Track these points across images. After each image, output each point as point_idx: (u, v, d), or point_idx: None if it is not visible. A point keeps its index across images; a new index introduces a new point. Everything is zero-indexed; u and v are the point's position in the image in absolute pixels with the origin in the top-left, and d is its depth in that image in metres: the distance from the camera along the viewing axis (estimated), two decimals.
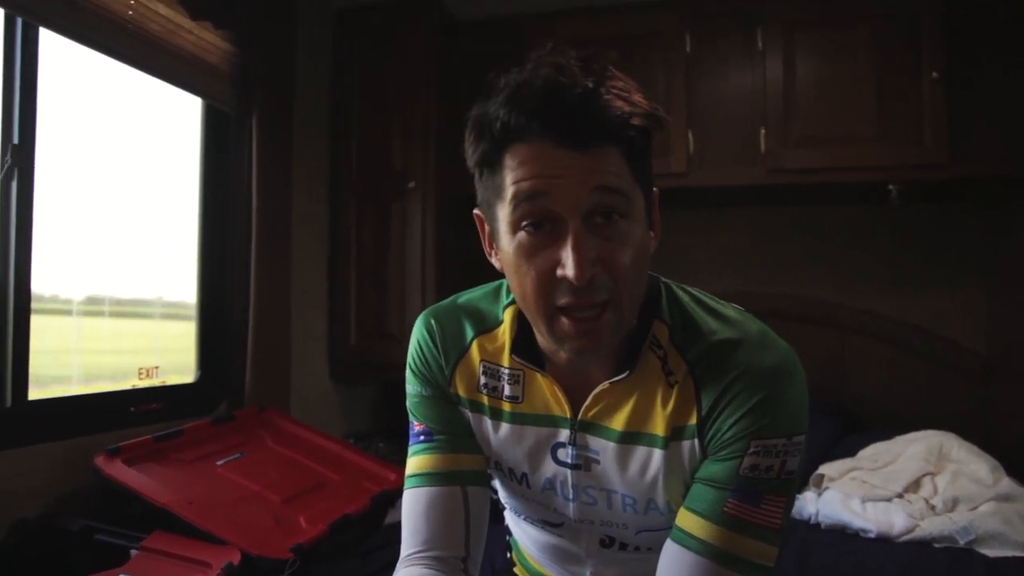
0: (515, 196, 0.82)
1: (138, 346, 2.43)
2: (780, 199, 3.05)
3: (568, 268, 0.80)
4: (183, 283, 2.54)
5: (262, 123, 2.52)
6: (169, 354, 2.52)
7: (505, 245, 0.86)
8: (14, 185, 1.82)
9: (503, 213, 0.85)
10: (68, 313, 2.13)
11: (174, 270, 2.51)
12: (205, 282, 2.54)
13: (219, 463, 2.03)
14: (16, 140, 1.82)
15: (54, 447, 1.87)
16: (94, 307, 2.24)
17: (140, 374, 2.27)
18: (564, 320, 0.84)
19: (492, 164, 0.85)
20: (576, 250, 0.79)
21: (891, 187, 2.61)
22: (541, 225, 0.82)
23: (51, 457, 1.85)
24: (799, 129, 2.69)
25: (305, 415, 2.64)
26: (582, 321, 0.83)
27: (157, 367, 2.32)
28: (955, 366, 2.92)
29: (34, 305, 1.88)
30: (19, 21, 1.83)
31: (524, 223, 0.83)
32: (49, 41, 1.91)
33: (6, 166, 1.80)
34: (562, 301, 0.82)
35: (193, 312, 2.53)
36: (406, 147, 2.93)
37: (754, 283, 3.13)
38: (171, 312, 2.57)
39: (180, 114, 2.50)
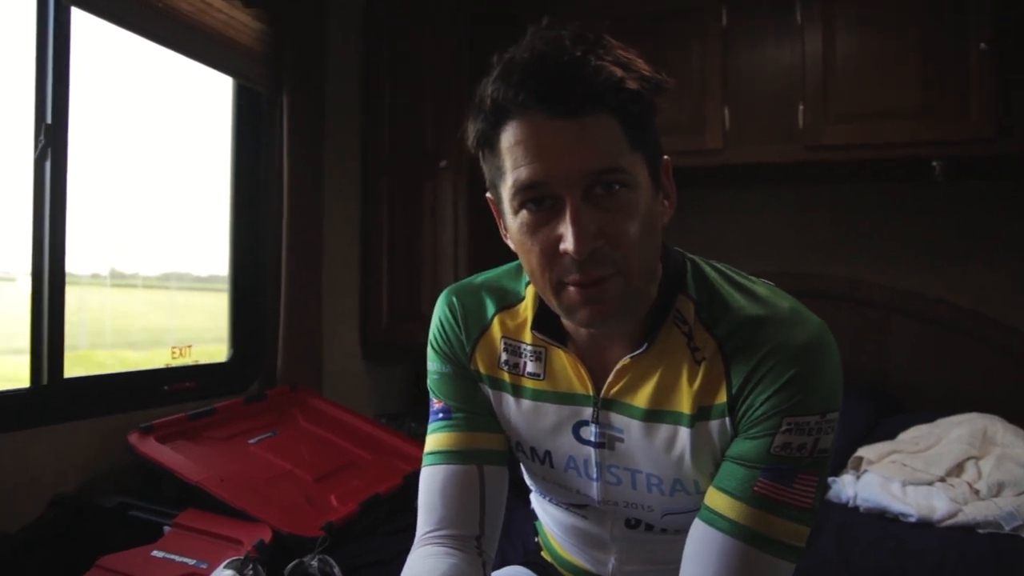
0: (515, 183, 0.82)
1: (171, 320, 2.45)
2: (818, 177, 2.98)
3: (568, 243, 0.79)
4: (215, 259, 2.55)
5: (293, 102, 2.52)
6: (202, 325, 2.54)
7: (511, 223, 0.86)
8: (48, 164, 1.83)
9: (506, 194, 0.84)
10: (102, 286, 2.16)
11: (207, 247, 2.52)
12: (237, 262, 2.55)
13: (251, 442, 2.04)
14: (49, 120, 1.83)
15: (90, 424, 1.89)
16: (124, 281, 2.27)
17: (174, 353, 2.29)
18: (571, 289, 0.83)
19: (491, 144, 0.84)
20: (575, 224, 0.79)
21: (935, 163, 2.52)
22: (542, 202, 0.82)
23: (88, 434, 1.88)
24: (839, 104, 2.60)
25: (337, 395, 2.65)
26: (587, 288, 0.82)
27: (191, 346, 2.33)
28: (1001, 347, 2.83)
29: (68, 279, 1.90)
30: (51, 1, 1.83)
31: (525, 201, 0.82)
32: (81, 21, 1.91)
33: (40, 146, 1.82)
34: (567, 277, 0.82)
35: (224, 287, 2.55)
36: (438, 126, 2.91)
37: (791, 263, 3.08)
38: (203, 287, 2.59)
39: (212, 93, 2.50)
